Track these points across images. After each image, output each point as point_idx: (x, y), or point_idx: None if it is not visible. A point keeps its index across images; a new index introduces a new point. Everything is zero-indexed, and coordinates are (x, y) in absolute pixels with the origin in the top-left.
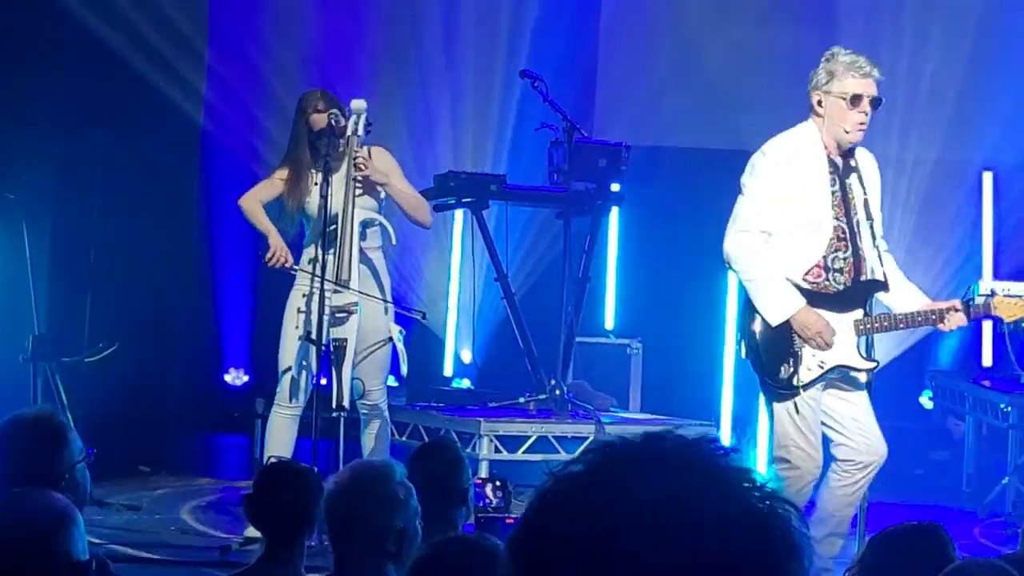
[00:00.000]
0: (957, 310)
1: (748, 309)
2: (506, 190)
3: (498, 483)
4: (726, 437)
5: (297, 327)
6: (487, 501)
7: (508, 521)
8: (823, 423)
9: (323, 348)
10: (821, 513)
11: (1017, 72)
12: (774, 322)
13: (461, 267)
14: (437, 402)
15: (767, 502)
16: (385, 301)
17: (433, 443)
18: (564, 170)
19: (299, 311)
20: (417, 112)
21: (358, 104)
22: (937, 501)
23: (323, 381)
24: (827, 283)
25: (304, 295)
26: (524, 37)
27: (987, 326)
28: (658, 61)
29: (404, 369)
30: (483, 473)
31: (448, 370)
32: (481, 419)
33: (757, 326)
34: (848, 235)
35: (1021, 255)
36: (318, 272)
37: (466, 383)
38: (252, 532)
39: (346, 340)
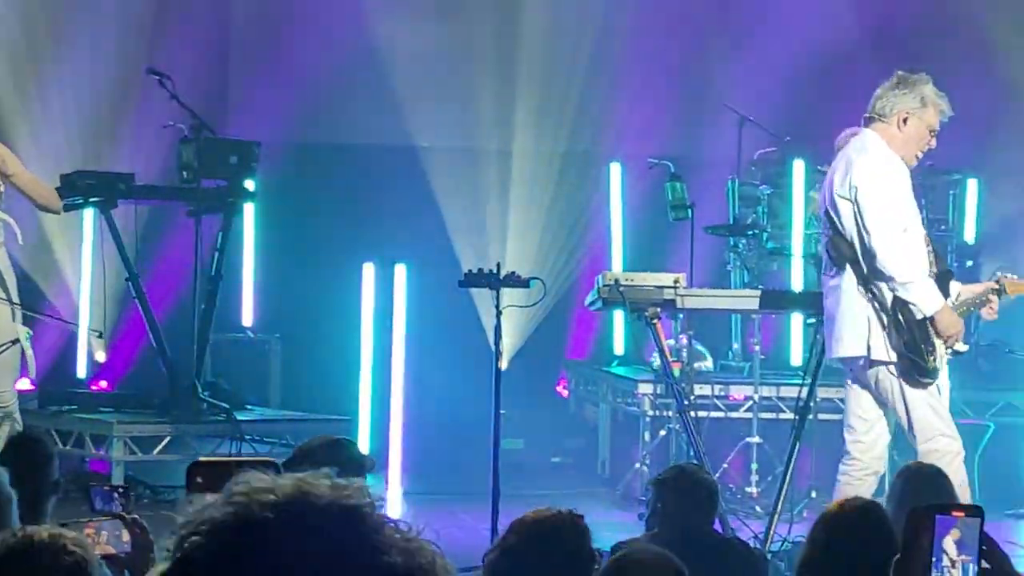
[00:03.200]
0: (996, 292)
1: (892, 308)
2: (135, 188)
3: (120, 487)
4: (365, 430)
5: None
6: (109, 504)
7: None
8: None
9: None
10: None
11: (637, 70)
12: (928, 313)
13: (93, 267)
14: (70, 405)
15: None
16: (11, 302)
17: (22, 437)
18: (194, 167)
19: None
20: (42, 110)
21: None
22: (576, 487)
23: None
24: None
25: None
26: (155, 34)
27: (619, 315)
28: (292, 56)
29: (32, 371)
30: (118, 475)
31: (81, 371)
32: (115, 421)
33: (903, 323)
34: (926, 232)
35: (644, 244)
36: None
37: (103, 384)
38: None
39: None
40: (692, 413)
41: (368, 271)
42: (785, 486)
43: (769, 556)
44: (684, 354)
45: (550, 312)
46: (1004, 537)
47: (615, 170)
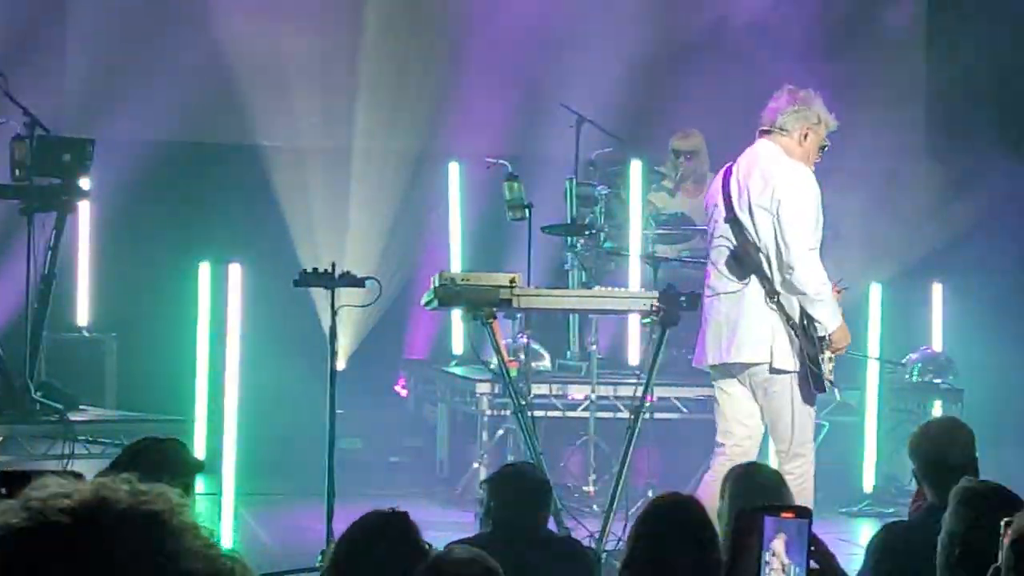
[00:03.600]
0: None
1: (800, 319)
2: None
3: None
4: (201, 430)
5: None
6: None
7: None
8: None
9: None
10: None
11: (475, 69)
12: (830, 330)
13: None
14: None
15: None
16: None
17: None
18: (26, 165)
19: None
20: None
21: None
22: (414, 487)
23: None
24: None
25: None
26: None
27: (457, 315)
28: (131, 54)
29: None
30: None
31: None
32: None
33: (808, 335)
34: None
35: (482, 244)
36: None
37: None
38: None
39: None
40: (529, 413)
41: (204, 270)
42: (621, 485)
43: (604, 555)
44: (522, 354)
45: (389, 312)
46: (837, 535)
47: (453, 169)
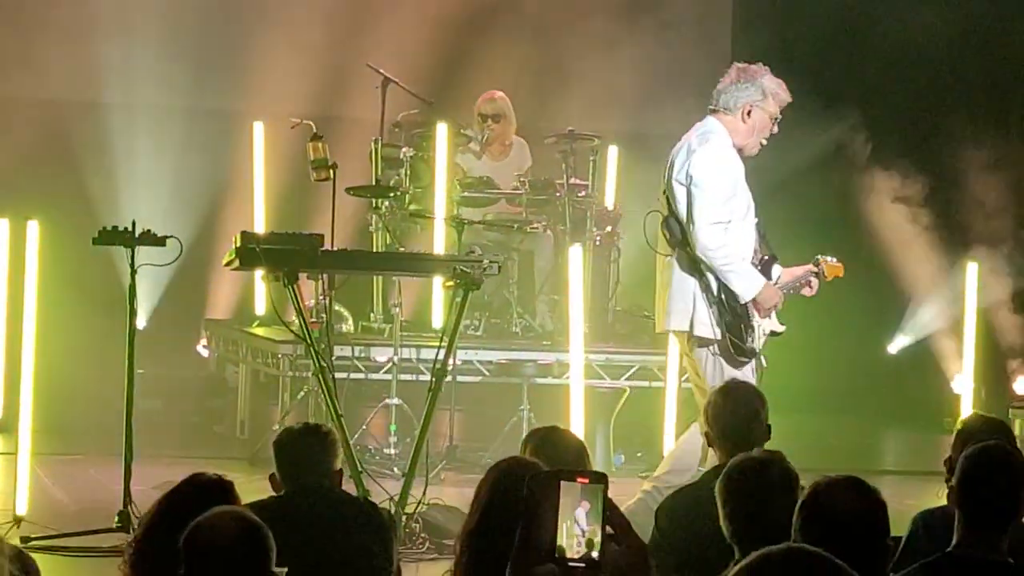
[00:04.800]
0: (815, 275)
1: (716, 291)
2: None
3: None
4: None
5: None
6: None
7: None
8: None
9: None
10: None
11: (281, 28)
12: (747, 298)
13: None
14: None
15: None
16: None
17: None
18: None
19: None
20: None
21: None
22: (215, 448)
23: None
24: (755, 262)
25: None
26: None
27: (257, 275)
28: None
29: None
30: None
31: None
32: None
33: (726, 305)
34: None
35: (286, 204)
36: None
37: None
38: None
39: None
40: (331, 374)
41: (0, 227)
42: (422, 448)
43: (404, 517)
44: (324, 315)
45: (191, 271)
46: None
47: (258, 128)
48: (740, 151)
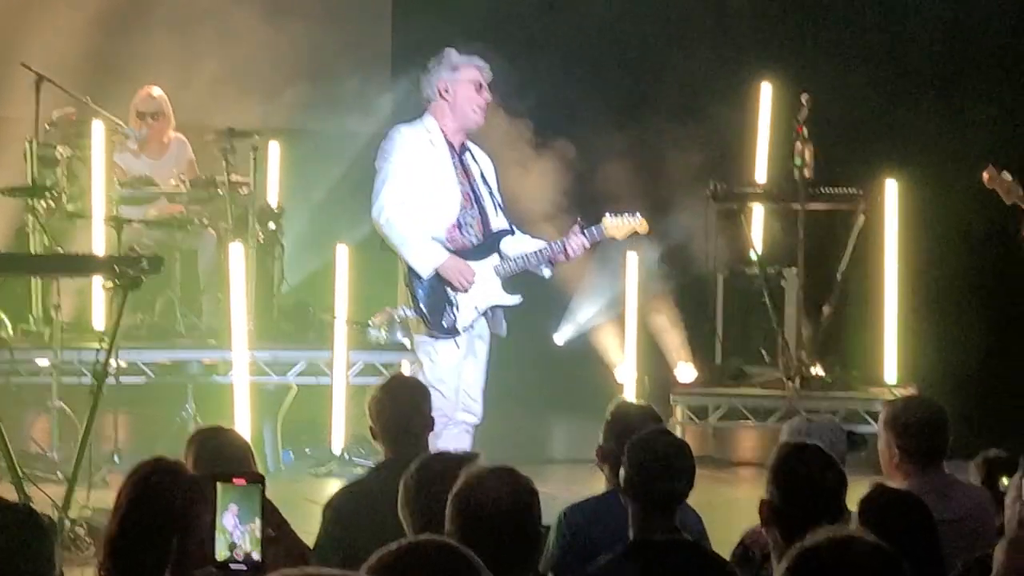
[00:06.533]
0: (576, 234)
1: (409, 272)
2: None
3: None
4: None
5: None
6: None
7: None
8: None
9: None
10: None
11: None
12: (425, 274)
13: None
14: None
15: None
16: None
17: None
18: None
19: None
20: None
21: None
22: None
23: None
24: (463, 238)
25: None
26: None
27: None
28: None
29: None
30: None
31: None
32: None
33: (422, 281)
34: (473, 197)
35: None
36: None
37: None
38: None
39: None
40: None
41: None
42: (85, 451)
43: (68, 522)
44: None
45: None
46: (307, 497)
47: None
48: (461, 129)
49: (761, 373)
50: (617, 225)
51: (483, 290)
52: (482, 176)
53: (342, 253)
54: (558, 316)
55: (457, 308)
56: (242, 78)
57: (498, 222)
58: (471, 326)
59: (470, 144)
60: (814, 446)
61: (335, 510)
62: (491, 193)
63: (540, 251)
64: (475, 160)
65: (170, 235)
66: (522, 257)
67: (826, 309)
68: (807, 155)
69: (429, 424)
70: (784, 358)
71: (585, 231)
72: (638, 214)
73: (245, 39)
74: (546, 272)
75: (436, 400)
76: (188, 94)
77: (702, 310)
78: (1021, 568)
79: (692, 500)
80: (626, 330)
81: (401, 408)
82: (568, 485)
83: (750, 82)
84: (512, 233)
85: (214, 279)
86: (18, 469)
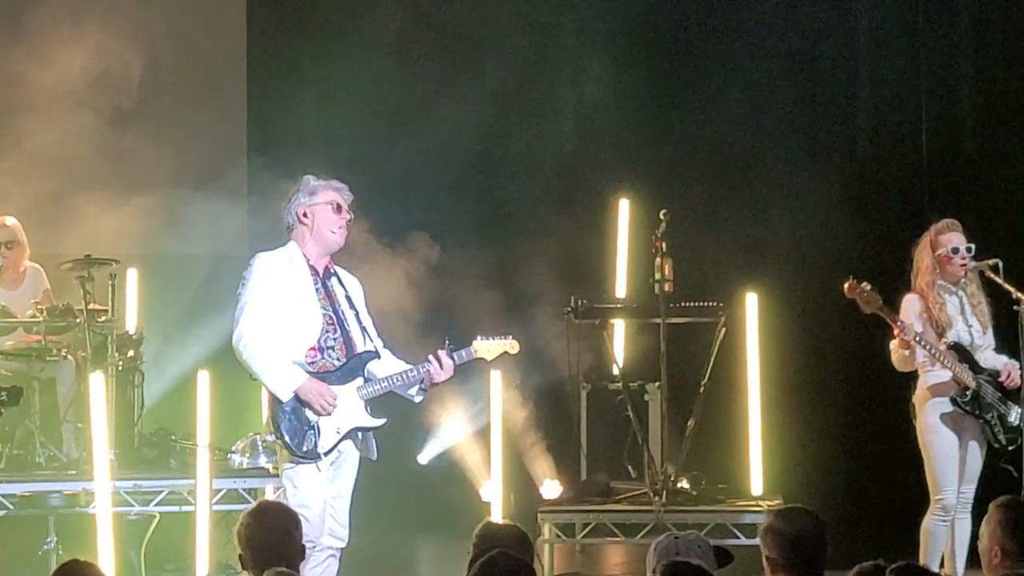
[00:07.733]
0: (441, 359)
1: (271, 397)
2: None
3: None
4: None
5: None
6: None
7: None
8: None
9: None
10: None
11: None
12: (284, 397)
13: None
14: None
15: None
16: None
17: None
18: None
19: None
20: None
21: None
22: None
23: None
24: (324, 361)
25: None
26: None
27: None
28: None
29: None
30: None
31: None
32: None
33: (276, 408)
34: (336, 320)
35: None
36: None
37: None
38: None
39: None
40: None
41: None
42: None
43: None
44: None
45: None
46: None
47: None
48: (324, 253)
49: (627, 488)
50: (488, 347)
51: (345, 412)
52: (348, 299)
53: (203, 379)
54: (422, 436)
55: (318, 432)
56: (99, 208)
57: (363, 345)
58: (334, 449)
59: (337, 268)
60: (697, 566)
61: None
62: (357, 316)
63: (406, 372)
64: (341, 284)
65: (28, 365)
66: (387, 379)
67: (690, 422)
68: (667, 270)
69: (300, 552)
70: (650, 472)
71: (454, 354)
72: (510, 336)
73: (95, 164)
74: (417, 397)
75: (302, 525)
76: (42, 223)
77: (566, 425)
78: None
79: None
80: (491, 448)
81: (271, 535)
82: None
83: (608, 198)
84: (379, 356)
85: (73, 408)
86: None
